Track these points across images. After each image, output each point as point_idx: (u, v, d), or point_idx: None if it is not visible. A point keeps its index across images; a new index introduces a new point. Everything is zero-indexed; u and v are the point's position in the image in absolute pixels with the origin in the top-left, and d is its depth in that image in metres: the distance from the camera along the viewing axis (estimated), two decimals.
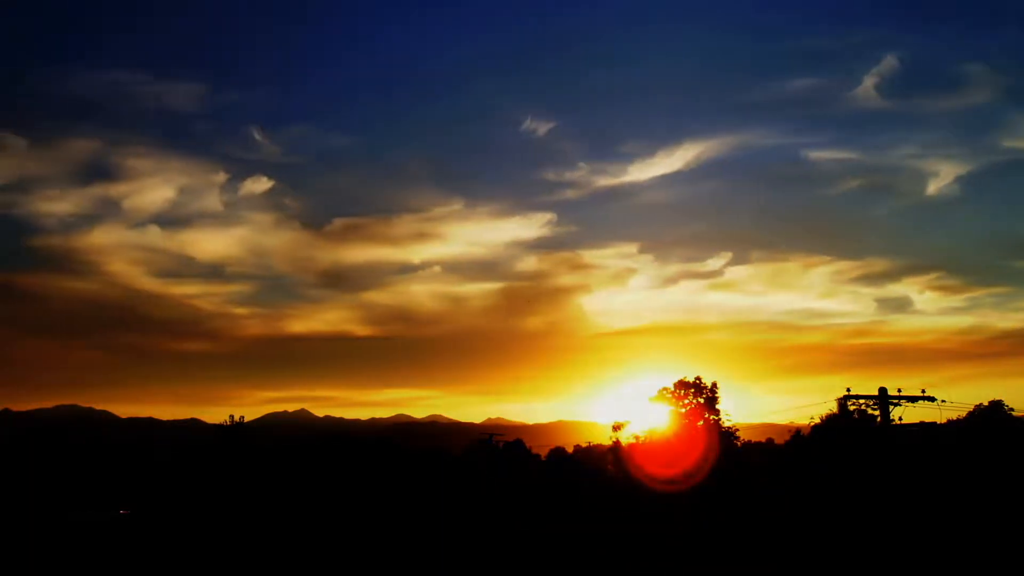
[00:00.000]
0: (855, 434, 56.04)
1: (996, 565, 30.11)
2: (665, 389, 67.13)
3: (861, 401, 45.11)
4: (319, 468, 73.07)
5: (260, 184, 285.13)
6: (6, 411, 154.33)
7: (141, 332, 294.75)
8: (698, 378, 66.19)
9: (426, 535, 41.30)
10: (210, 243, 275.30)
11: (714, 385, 65.59)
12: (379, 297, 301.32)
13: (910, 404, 45.44)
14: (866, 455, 50.04)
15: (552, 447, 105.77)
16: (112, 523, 43.36)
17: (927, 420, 56.65)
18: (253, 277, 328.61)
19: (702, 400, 65.43)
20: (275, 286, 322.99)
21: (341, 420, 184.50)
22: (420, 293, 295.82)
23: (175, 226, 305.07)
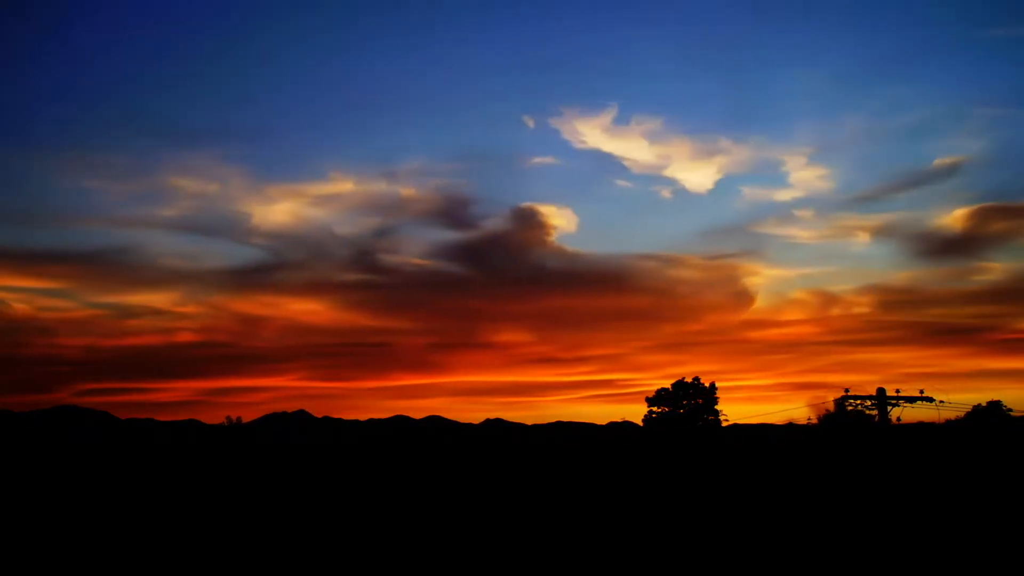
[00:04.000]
0: (853, 434, 56.10)
1: (996, 565, 30.16)
2: (664, 391, 67.33)
3: (857, 401, 45.15)
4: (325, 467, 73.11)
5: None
6: (7, 411, 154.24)
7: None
8: (696, 378, 66.38)
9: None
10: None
11: (712, 386, 65.73)
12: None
13: (908, 405, 45.45)
14: (864, 454, 50.08)
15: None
16: (111, 523, 43.48)
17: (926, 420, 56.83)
18: None
19: (700, 401, 65.58)
20: None
21: (340, 421, 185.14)
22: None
23: None
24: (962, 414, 67.04)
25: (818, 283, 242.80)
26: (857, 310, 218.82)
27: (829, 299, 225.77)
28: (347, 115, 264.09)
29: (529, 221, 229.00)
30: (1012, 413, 68.53)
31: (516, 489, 56.84)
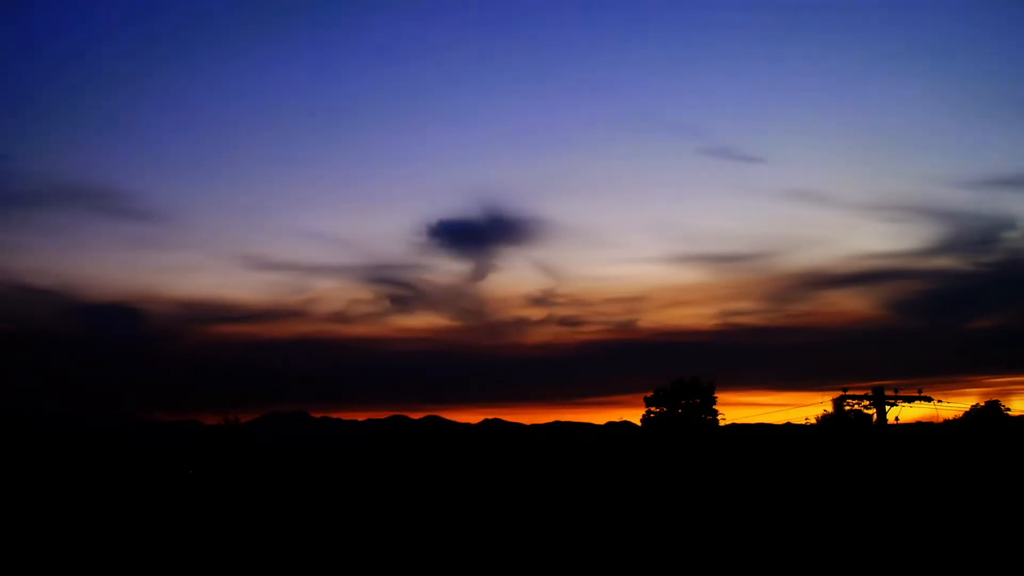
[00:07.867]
0: (851, 434, 56.01)
1: (994, 565, 30.16)
2: (662, 390, 67.22)
3: (855, 401, 45.06)
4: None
5: None
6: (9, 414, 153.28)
7: None
8: (694, 378, 66.27)
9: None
10: None
11: (710, 385, 65.65)
12: None
13: (907, 404, 45.32)
14: (861, 454, 50.03)
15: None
16: (110, 523, 43.41)
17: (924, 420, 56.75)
18: None
19: (698, 400, 65.49)
20: None
21: (339, 421, 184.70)
22: None
23: None
24: (960, 414, 66.99)
25: None
26: None
27: None
28: None
29: None
30: (1011, 412, 68.42)
31: (514, 489, 56.75)
